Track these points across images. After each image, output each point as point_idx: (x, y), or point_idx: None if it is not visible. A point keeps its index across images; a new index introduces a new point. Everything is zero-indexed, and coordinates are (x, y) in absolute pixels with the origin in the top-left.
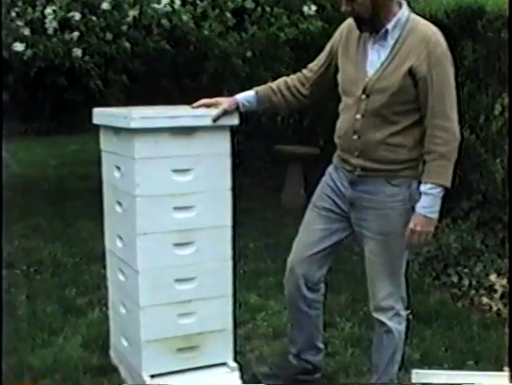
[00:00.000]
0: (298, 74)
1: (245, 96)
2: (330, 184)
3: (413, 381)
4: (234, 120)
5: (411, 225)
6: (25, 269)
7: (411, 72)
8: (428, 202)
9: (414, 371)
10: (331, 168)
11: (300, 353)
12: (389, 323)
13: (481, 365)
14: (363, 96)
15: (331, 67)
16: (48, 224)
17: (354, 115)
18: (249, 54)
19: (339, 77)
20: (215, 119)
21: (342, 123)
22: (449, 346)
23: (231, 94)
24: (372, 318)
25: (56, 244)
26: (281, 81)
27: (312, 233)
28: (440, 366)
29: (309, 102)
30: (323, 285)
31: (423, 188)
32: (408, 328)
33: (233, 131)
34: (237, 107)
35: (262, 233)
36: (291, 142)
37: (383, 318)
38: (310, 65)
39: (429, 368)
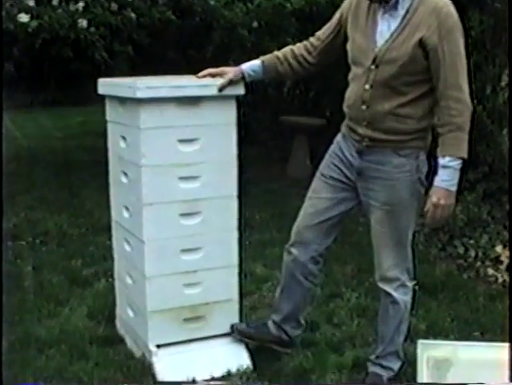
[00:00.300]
0: (305, 42)
1: (251, 66)
2: (338, 153)
3: (419, 351)
4: (240, 90)
5: (434, 200)
6: (31, 241)
7: (421, 43)
8: (448, 175)
9: (420, 342)
10: (339, 137)
11: (281, 323)
12: (395, 294)
13: (488, 336)
14: (373, 66)
15: (340, 36)
16: (54, 195)
17: (363, 85)
18: (255, 24)
19: (349, 47)
20: (221, 89)
21: (351, 93)
22: (454, 316)
23: (237, 64)
24: (378, 289)
25: (62, 215)
26: (287, 50)
27: (319, 201)
28: (446, 337)
29: (315, 70)
30: (322, 259)
31: (442, 161)
32: (413, 299)
33: (239, 101)
34: (243, 77)
35: (267, 203)
36: (297, 113)
37: (388, 288)
38: (318, 33)
39: (435, 339)
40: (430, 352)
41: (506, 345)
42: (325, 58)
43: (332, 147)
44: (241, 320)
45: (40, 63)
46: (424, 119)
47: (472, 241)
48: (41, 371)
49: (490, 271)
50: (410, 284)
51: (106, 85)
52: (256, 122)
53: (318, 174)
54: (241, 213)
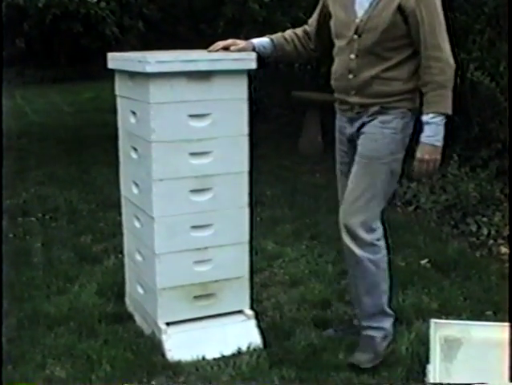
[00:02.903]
0: (302, 28)
1: (261, 41)
2: (339, 136)
3: (431, 330)
4: (252, 64)
5: (418, 155)
6: (40, 217)
7: (400, 8)
8: (432, 131)
9: (432, 321)
10: (336, 120)
11: None
12: (355, 249)
13: (500, 315)
14: (356, 36)
15: (327, 18)
16: (64, 171)
17: (348, 55)
18: None
19: (332, 23)
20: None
21: (337, 66)
22: (467, 295)
23: (248, 39)
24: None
25: (72, 191)
26: (290, 32)
27: (344, 189)
28: (459, 316)
29: (315, 55)
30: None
31: (425, 118)
32: (426, 277)
33: (251, 76)
34: (254, 50)
35: (279, 179)
36: (309, 88)
37: (348, 241)
38: (310, 20)
39: (447, 318)
40: (443, 331)
41: None
42: (321, 42)
43: (336, 134)
44: (251, 298)
45: (50, 39)
46: (410, 81)
47: (485, 219)
48: (49, 349)
49: (503, 249)
50: (380, 242)
51: (115, 59)
52: (267, 97)
53: (336, 165)
54: (252, 189)
